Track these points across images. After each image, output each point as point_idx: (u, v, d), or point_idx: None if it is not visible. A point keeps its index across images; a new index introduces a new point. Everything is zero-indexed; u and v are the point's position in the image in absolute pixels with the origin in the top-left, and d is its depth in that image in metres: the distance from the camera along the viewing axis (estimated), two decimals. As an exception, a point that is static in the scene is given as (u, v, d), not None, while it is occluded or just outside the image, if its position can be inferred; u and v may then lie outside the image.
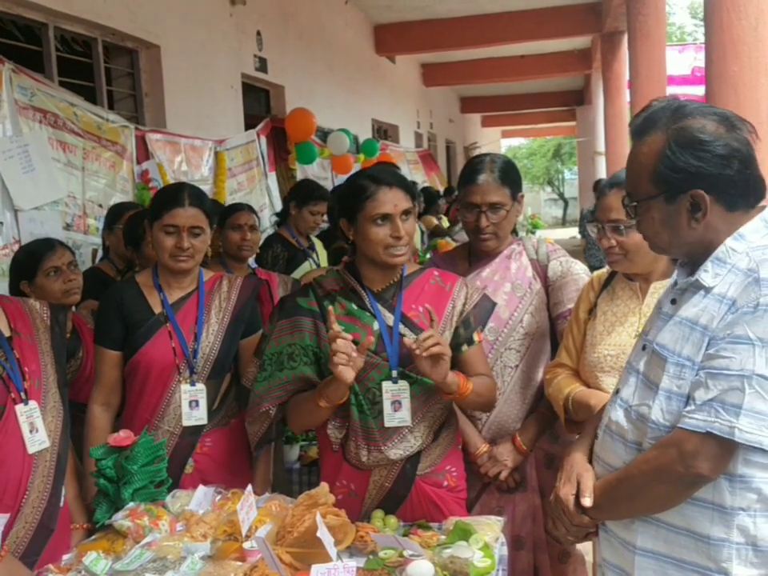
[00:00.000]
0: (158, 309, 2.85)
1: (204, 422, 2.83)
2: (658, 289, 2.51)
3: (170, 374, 2.80)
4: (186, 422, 2.80)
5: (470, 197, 2.85)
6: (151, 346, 2.80)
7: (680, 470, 1.69)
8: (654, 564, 1.81)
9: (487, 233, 2.85)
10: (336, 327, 2.37)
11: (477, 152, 18.60)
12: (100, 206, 5.25)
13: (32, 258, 3.30)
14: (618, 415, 1.89)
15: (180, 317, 2.85)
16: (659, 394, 1.77)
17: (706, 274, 1.76)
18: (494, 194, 2.82)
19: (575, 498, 1.95)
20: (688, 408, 1.70)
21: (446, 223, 10.34)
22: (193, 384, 2.81)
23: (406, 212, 2.50)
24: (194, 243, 2.81)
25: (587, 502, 1.91)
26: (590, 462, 2.01)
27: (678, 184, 1.74)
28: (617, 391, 1.95)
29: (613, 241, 2.48)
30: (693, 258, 1.83)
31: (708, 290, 1.75)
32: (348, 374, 2.35)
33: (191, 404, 2.81)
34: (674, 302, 1.86)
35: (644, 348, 1.89)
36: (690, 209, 1.74)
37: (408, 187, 2.55)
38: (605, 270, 2.74)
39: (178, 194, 2.87)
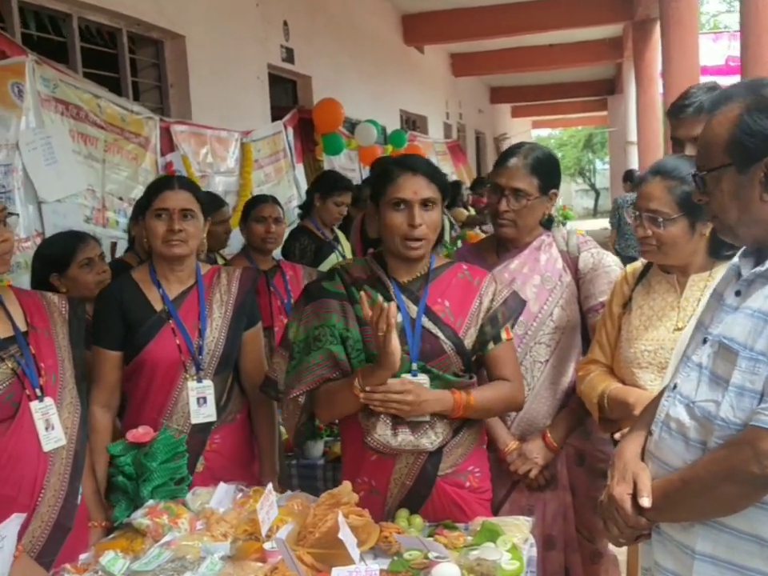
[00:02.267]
0: (158, 305, 2.78)
1: (213, 418, 2.77)
2: (697, 282, 2.42)
3: (177, 372, 2.74)
4: (194, 420, 2.74)
5: (496, 177, 2.80)
6: (155, 344, 2.73)
7: (754, 470, 1.59)
8: (713, 570, 1.71)
9: (505, 218, 2.77)
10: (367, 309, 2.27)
11: (507, 143, 18.47)
12: (120, 198, 5.22)
13: (66, 250, 3.25)
14: (678, 412, 1.79)
15: (182, 313, 2.78)
16: (729, 390, 1.66)
17: None
18: (519, 180, 2.74)
19: (631, 498, 1.84)
20: (763, 405, 1.59)
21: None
22: (200, 381, 2.75)
23: (428, 201, 2.42)
24: (186, 227, 2.74)
25: (646, 502, 1.80)
26: (642, 460, 1.90)
27: (753, 151, 1.64)
28: (674, 387, 1.85)
29: (649, 231, 2.39)
30: (762, 242, 1.73)
31: None
32: (398, 360, 2.28)
33: (199, 401, 2.74)
34: (738, 293, 1.75)
35: (705, 341, 1.79)
36: (764, 180, 1.65)
37: (434, 176, 2.47)
38: (639, 264, 2.64)
39: (167, 179, 2.89)
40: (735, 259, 1.84)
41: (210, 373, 2.77)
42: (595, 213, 37.20)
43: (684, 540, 1.78)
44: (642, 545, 1.98)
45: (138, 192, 5.27)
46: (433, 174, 2.47)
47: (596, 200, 39.45)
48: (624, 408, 2.39)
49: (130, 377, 2.79)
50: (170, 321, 2.76)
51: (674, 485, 1.76)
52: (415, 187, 2.40)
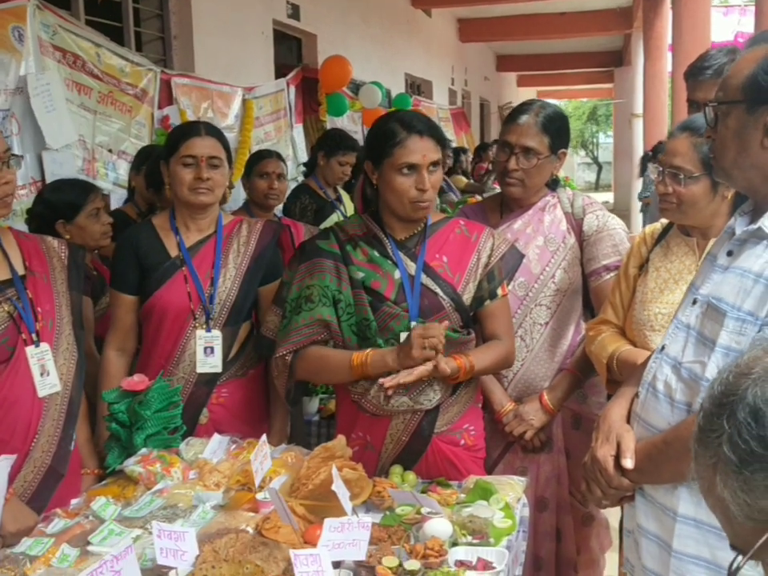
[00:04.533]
0: (174, 252, 2.76)
1: (218, 369, 2.75)
2: None
3: (186, 320, 2.72)
4: (200, 369, 2.72)
5: (506, 135, 2.75)
6: (166, 289, 2.72)
7: None
8: (695, 532, 1.71)
9: (514, 177, 2.73)
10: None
11: (511, 111, 18.23)
12: (110, 150, 5.15)
13: (78, 198, 3.24)
14: (664, 373, 1.78)
15: (197, 261, 2.76)
16: (716, 350, 1.65)
17: None
18: (530, 138, 2.69)
19: (614, 460, 1.84)
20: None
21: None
22: (208, 330, 2.73)
23: (435, 163, 2.39)
24: (213, 175, 2.71)
25: (628, 463, 1.80)
26: (628, 422, 1.89)
27: (766, 91, 1.61)
28: (662, 348, 1.83)
29: (670, 188, 2.33)
30: (754, 189, 1.70)
31: None
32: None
33: (206, 351, 2.73)
34: (730, 253, 1.73)
35: (694, 302, 1.77)
36: None
37: (439, 137, 2.44)
38: (658, 225, 2.60)
39: (194, 125, 2.85)
40: (732, 219, 1.81)
41: (219, 323, 2.74)
42: (597, 187, 37.04)
43: (667, 502, 1.78)
44: (626, 507, 1.98)
45: (130, 145, 5.22)
46: (439, 134, 2.45)
47: (598, 174, 39.26)
48: (633, 370, 2.37)
49: (142, 321, 2.79)
50: (184, 268, 2.74)
51: (657, 446, 1.76)
52: (424, 151, 2.37)
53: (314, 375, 2.51)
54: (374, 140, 2.47)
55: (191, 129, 2.80)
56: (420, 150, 2.36)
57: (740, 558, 1.01)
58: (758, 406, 0.95)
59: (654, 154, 2.52)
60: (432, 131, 2.42)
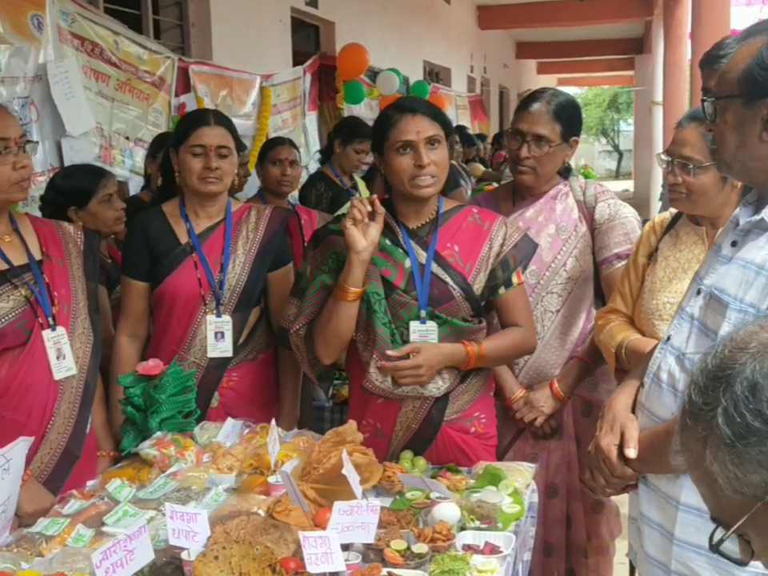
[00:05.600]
0: (184, 239, 2.79)
1: (229, 354, 2.78)
2: None
3: (196, 305, 2.75)
4: (210, 354, 2.75)
5: (518, 123, 2.75)
6: (176, 276, 2.75)
7: None
8: (697, 521, 1.72)
9: (526, 165, 2.73)
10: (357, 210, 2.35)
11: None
12: (127, 138, 5.17)
13: (90, 185, 3.26)
14: (668, 363, 1.78)
15: (206, 247, 2.79)
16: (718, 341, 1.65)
17: None
18: (542, 126, 2.70)
19: (618, 449, 1.85)
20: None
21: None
22: (219, 315, 2.76)
23: (432, 140, 2.39)
24: (222, 165, 2.73)
25: (631, 453, 1.81)
26: (633, 411, 1.91)
27: (762, 84, 1.60)
28: (667, 338, 1.84)
29: (679, 178, 2.33)
30: (755, 182, 1.70)
31: None
32: (357, 236, 2.32)
33: (217, 335, 2.76)
34: (734, 244, 1.73)
35: (698, 293, 1.77)
36: (767, 118, 1.61)
37: (436, 114, 2.45)
38: (667, 214, 2.60)
39: (203, 114, 2.87)
40: (736, 209, 1.81)
41: (229, 308, 2.78)
42: (617, 175, 36.77)
43: (669, 491, 1.79)
44: (631, 495, 1.99)
45: (146, 132, 5.24)
46: (433, 111, 2.46)
47: (619, 161, 38.94)
48: (641, 359, 2.37)
49: (153, 308, 2.83)
50: (194, 254, 2.77)
51: (660, 436, 1.76)
52: (417, 127, 2.38)
53: (324, 330, 2.44)
54: (375, 130, 2.52)
55: (200, 118, 2.81)
56: (413, 127, 2.38)
57: (720, 530, 1.02)
58: (756, 379, 0.95)
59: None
60: (425, 109, 2.44)
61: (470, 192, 8.20)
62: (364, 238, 2.33)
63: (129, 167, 5.14)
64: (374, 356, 2.40)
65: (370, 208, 2.34)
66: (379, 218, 2.35)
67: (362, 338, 2.45)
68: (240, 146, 2.86)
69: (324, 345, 2.47)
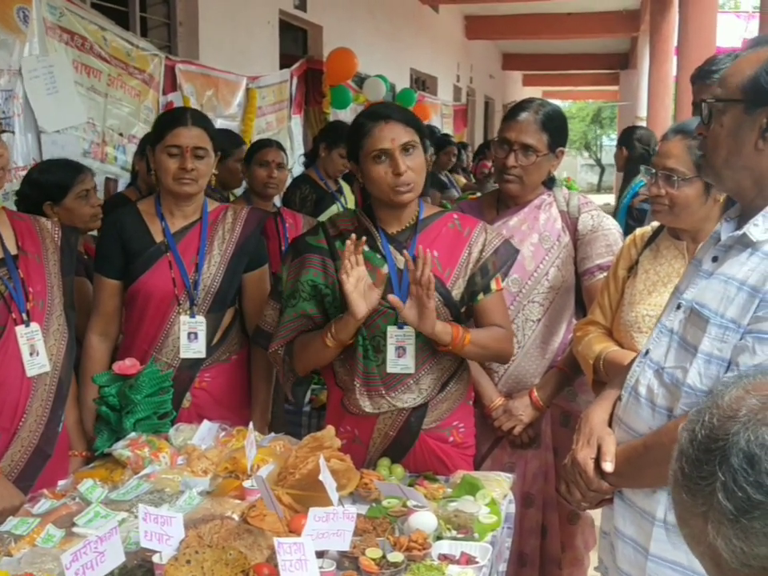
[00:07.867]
0: (159, 237, 2.77)
1: (202, 355, 2.76)
2: None
3: (170, 305, 2.73)
4: (183, 354, 2.73)
5: (505, 132, 2.74)
6: (150, 275, 2.72)
7: None
8: (673, 537, 1.70)
9: (512, 174, 2.72)
10: (348, 262, 2.28)
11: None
12: (120, 134, 5.14)
13: (65, 180, 3.22)
14: (647, 377, 1.77)
15: (181, 247, 2.77)
16: (698, 357, 1.64)
17: (756, 228, 1.62)
18: (529, 136, 2.69)
19: (594, 463, 1.84)
20: (729, 374, 1.57)
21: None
22: (192, 316, 2.73)
23: (408, 145, 2.37)
24: (198, 166, 2.71)
25: (608, 467, 1.80)
26: (610, 425, 1.90)
27: (766, 93, 1.59)
28: (646, 352, 1.83)
29: (663, 190, 2.33)
30: (741, 192, 1.69)
31: (757, 246, 1.61)
32: (360, 305, 2.27)
33: (190, 336, 2.73)
34: (715, 259, 1.72)
35: (678, 307, 1.76)
36: (765, 127, 1.60)
37: (409, 119, 2.42)
38: (648, 228, 2.60)
39: (180, 114, 2.82)
40: (718, 225, 1.80)
41: (203, 309, 2.75)
42: (599, 188, 37.00)
43: (646, 506, 1.78)
44: (605, 509, 1.98)
45: (139, 129, 5.21)
46: (406, 117, 2.43)
47: (600, 175, 39.21)
48: (619, 372, 2.37)
49: (126, 306, 2.79)
50: (168, 253, 2.74)
51: (637, 451, 1.76)
52: (392, 135, 2.35)
53: (304, 361, 2.50)
54: (350, 138, 2.48)
55: (177, 117, 2.77)
56: (387, 134, 2.35)
57: None
58: (752, 451, 0.92)
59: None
60: (398, 115, 2.41)
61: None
62: (365, 303, 2.29)
63: (121, 164, 5.12)
64: (355, 381, 2.42)
65: (360, 251, 2.30)
66: (379, 281, 2.31)
67: (340, 360, 2.48)
68: (217, 146, 2.82)
69: (303, 368, 2.53)
